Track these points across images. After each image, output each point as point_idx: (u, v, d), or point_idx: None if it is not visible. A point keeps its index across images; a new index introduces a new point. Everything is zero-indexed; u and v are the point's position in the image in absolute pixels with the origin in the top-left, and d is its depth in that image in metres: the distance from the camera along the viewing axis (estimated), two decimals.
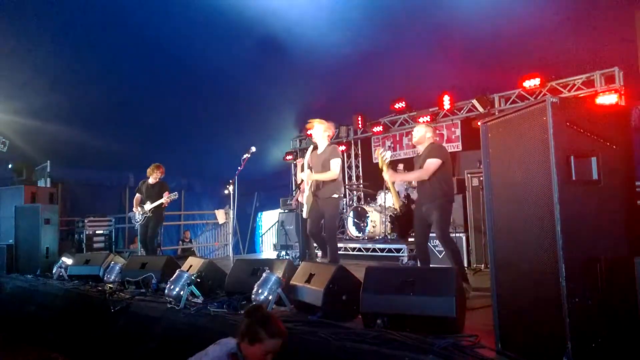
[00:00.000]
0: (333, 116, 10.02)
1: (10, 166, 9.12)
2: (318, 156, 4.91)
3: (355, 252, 7.91)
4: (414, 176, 4.61)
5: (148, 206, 6.94)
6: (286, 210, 9.35)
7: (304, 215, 4.93)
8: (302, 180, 4.97)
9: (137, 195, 7.21)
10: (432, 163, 4.32)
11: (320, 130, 4.95)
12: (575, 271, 2.06)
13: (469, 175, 6.48)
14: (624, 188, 2.24)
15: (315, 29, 6.56)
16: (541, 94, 7.50)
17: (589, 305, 2.05)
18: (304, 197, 4.88)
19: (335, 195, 4.79)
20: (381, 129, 9.91)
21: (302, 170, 5.11)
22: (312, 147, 5.13)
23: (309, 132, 4.96)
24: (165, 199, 6.91)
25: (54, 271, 5.96)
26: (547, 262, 2.15)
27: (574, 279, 2.05)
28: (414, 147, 4.80)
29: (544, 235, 2.18)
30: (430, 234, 4.73)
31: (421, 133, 4.58)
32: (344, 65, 7.48)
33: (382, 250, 7.49)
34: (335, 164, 4.76)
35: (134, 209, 7.14)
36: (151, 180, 7.15)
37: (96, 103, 8.10)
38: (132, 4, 6.04)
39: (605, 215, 2.17)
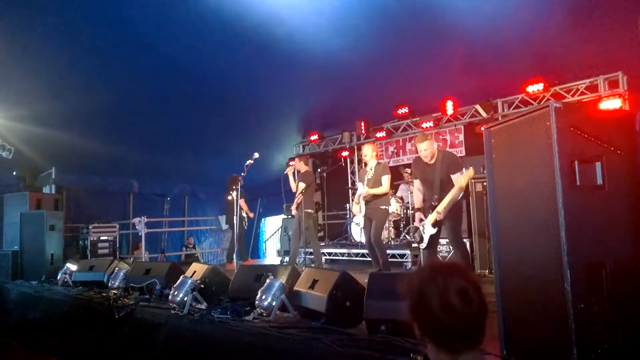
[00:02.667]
0: (336, 122, 10.19)
1: (15, 173, 9.16)
2: (369, 173, 5.69)
3: (358, 258, 7.90)
4: (455, 195, 4.57)
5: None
6: (289, 216, 9.36)
7: (361, 225, 5.99)
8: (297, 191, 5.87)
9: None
10: (461, 177, 4.53)
11: (369, 151, 5.78)
12: (581, 277, 2.05)
13: (472, 180, 6.47)
14: (629, 193, 2.24)
15: (318, 35, 6.58)
16: (544, 99, 7.49)
17: (595, 311, 2.04)
18: (360, 212, 5.71)
19: (384, 207, 5.67)
20: (384, 135, 9.91)
21: (295, 179, 6.66)
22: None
23: (364, 159, 5.98)
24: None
25: (58, 277, 5.97)
26: (552, 267, 2.14)
27: (579, 285, 2.04)
28: (417, 152, 4.85)
29: (548, 240, 2.17)
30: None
31: (431, 148, 4.67)
32: (347, 71, 7.49)
33: None
34: (386, 180, 5.60)
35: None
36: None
37: (101, 110, 8.14)
38: (136, 12, 6.09)
39: (610, 221, 2.16)
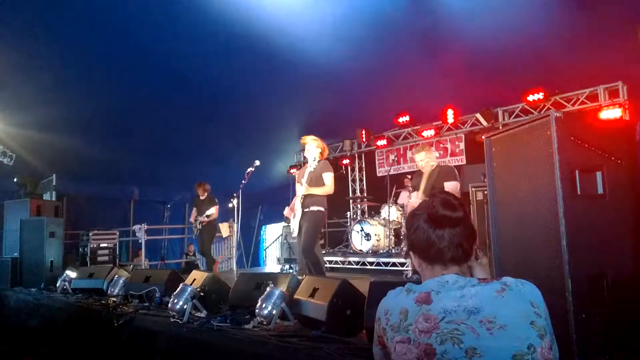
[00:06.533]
0: (337, 130, 10.21)
1: (16, 179, 9.17)
2: (310, 170, 4.96)
3: (359, 266, 7.88)
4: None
5: (199, 219, 7.79)
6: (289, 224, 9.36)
7: (294, 234, 4.98)
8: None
9: (194, 209, 8.06)
10: (453, 186, 4.69)
11: (313, 146, 5.02)
12: (582, 286, 2.04)
13: (473, 189, 6.46)
14: (630, 202, 2.23)
15: (319, 44, 6.62)
16: (545, 108, 7.51)
17: (596, 321, 2.03)
18: (294, 217, 4.92)
19: (317, 208, 4.83)
20: (385, 143, 9.93)
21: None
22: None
23: (305, 147, 5.12)
24: (209, 211, 7.73)
25: (58, 284, 5.94)
26: (553, 277, 2.13)
27: (581, 295, 2.03)
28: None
29: (549, 250, 2.17)
30: None
31: (428, 159, 4.74)
32: (348, 80, 7.53)
33: (386, 264, 7.45)
34: (329, 179, 4.87)
35: (191, 220, 8.05)
36: (201, 196, 8.02)
37: (102, 117, 8.18)
38: (138, 19, 6.13)
39: (611, 230, 2.16)
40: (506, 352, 1.10)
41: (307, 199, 4.84)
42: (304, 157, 5.14)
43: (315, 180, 4.85)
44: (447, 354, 1.13)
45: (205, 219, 7.73)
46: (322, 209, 4.87)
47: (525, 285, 1.22)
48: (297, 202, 4.93)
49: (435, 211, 1.27)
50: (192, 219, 8.03)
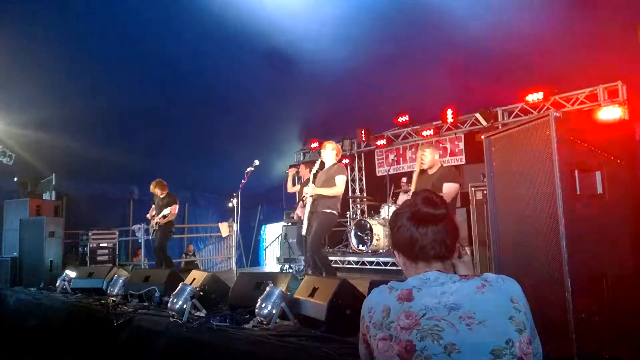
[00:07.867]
0: (337, 130, 10.22)
1: (15, 179, 9.17)
2: (323, 172, 5.11)
3: (358, 266, 7.88)
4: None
5: (155, 219, 7.16)
6: (290, 223, 9.36)
7: (303, 232, 5.05)
8: (305, 195, 5.10)
9: (152, 209, 7.46)
10: (453, 187, 4.48)
11: (328, 149, 5.20)
12: (581, 286, 2.04)
13: (472, 188, 6.47)
14: (629, 202, 2.24)
15: (319, 43, 6.63)
16: (544, 108, 7.51)
17: (596, 321, 2.03)
18: (305, 213, 5.02)
19: (328, 210, 4.90)
20: (385, 142, 9.93)
21: (292, 182, 5.39)
22: (318, 164, 5.28)
23: (320, 152, 5.32)
24: (165, 211, 7.05)
25: (57, 284, 5.94)
26: (553, 277, 2.13)
27: (580, 295, 2.03)
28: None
29: (549, 249, 2.17)
30: None
31: (432, 157, 4.73)
32: (348, 79, 7.53)
33: (385, 263, 7.46)
34: (341, 181, 4.92)
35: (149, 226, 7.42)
36: (160, 194, 7.32)
37: (102, 116, 8.18)
38: (139, 20, 6.14)
39: (610, 230, 2.16)
40: (484, 347, 1.12)
41: (319, 200, 4.91)
42: (321, 161, 5.28)
43: (327, 181, 4.95)
44: (426, 350, 1.13)
45: (162, 219, 7.06)
46: (334, 212, 4.94)
47: (505, 281, 1.24)
48: (307, 201, 4.97)
49: (418, 209, 1.28)
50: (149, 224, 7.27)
